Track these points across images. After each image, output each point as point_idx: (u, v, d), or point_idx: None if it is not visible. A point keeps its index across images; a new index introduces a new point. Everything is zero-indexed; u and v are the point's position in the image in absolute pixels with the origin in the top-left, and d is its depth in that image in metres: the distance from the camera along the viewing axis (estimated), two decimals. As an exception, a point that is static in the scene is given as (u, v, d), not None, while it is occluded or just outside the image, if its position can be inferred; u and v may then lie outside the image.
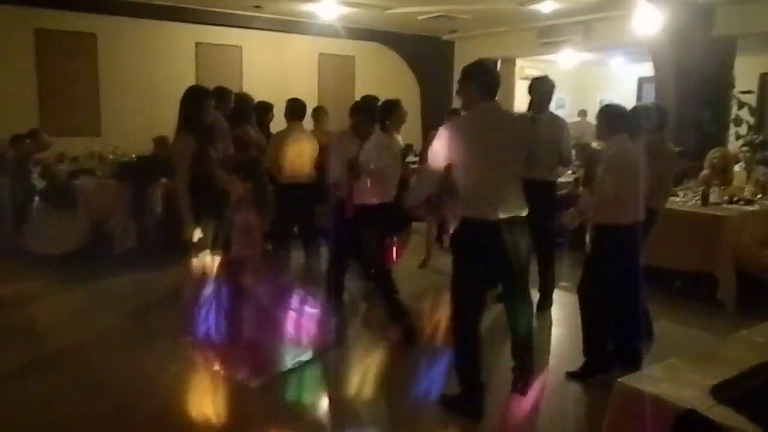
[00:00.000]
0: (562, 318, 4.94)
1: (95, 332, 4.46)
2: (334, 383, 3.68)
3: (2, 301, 5.12)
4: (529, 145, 3.26)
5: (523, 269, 3.28)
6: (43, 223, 6.32)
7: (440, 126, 3.32)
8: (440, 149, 3.16)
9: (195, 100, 3.82)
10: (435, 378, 3.63)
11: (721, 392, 1.81)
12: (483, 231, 3.13)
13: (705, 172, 6.24)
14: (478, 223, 3.13)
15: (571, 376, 3.76)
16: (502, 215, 3.10)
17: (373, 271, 4.43)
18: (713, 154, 6.36)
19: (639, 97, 12.07)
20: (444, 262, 6.24)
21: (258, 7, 9.04)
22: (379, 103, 4.65)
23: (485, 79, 3.17)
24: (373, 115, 4.29)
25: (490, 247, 3.14)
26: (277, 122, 6.12)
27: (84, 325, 4.58)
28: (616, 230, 3.60)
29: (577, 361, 3.85)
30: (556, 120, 4.85)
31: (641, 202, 3.68)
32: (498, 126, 3.16)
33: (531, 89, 4.87)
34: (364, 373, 3.79)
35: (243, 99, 5.40)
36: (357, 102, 4.49)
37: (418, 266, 6.16)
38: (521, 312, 3.35)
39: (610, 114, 3.70)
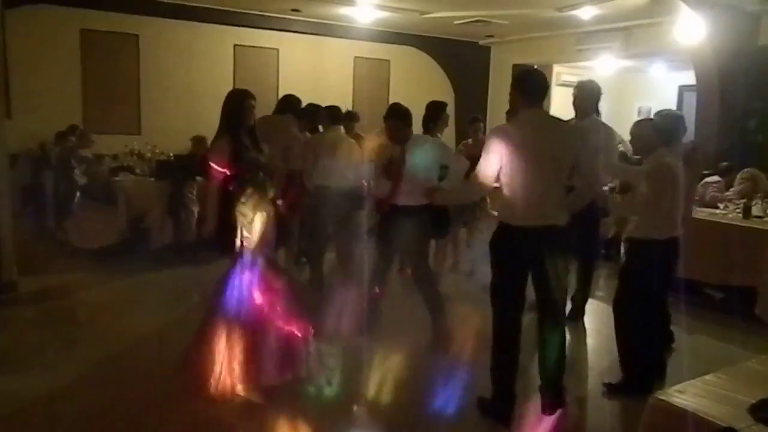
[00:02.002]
0: (596, 328, 4.86)
1: (132, 323, 4.57)
2: (368, 384, 3.69)
3: (46, 291, 5.31)
4: (576, 154, 3.20)
5: (556, 280, 3.22)
6: (83, 217, 6.52)
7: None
8: (490, 157, 3.14)
9: (237, 103, 3.85)
10: (472, 381, 3.59)
11: (759, 411, 1.77)
12: (515, 236, 3.13)
13: (736, 188, 6.13)
14: (511, 228, 3.13)
15: (609, 387, 3.65)
16: (537, 223, 3.08)
17: (416, 271, 4.41)
18: (742, 175, 6.23)
19: (679, 106, 11.80)
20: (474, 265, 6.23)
21: (296, 10, 9.15)
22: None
23: (528, 85, 3.17)
24: (408, 120, 4.33)
25: (521, 253, 3.13)
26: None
27: (121, 317, 4.71)
28: (652, 245, 3.52)
29: (611, 372, 3.78)
30: (601, 126, 4.70)
31: (679, 217, 3.60)
32: (541, 133, 3.13)
33: (574, 93, 4.76)
34: (399, 373, 3.79)
35: (289, 101, 5.47)
36: (392, 108, 4.48)
37: (448, 269, 6.15)
38: (550, 324, 3.28)
39: (649, 128, 3.63)
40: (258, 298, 3.49)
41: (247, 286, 3.49)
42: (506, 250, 3.18)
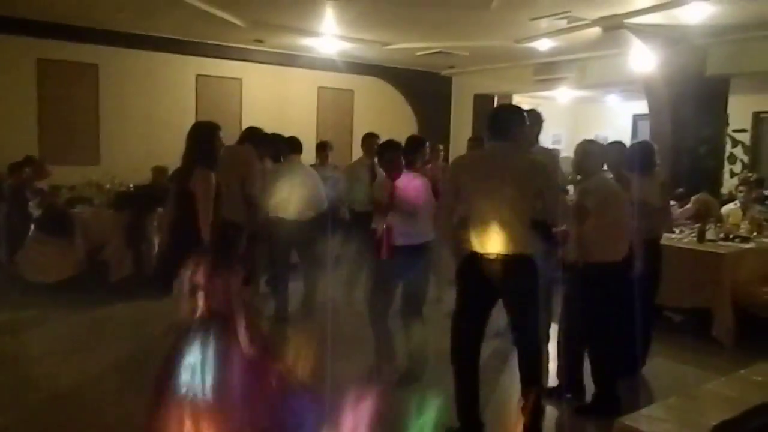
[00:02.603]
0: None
1: (88, 361, 4.39)
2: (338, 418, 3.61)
3: (-5, 329, 5.07)
4: (539, 187, 3.21)
5: (523, 306, 3.25)
6: (37, 251, 6.30)
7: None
8: (449, 186, 3.25)
9: (211, 134, 3.81)
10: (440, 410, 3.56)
11: (722, 433, 1.79)
12: (481, 264, 3.17)
13: (690, 208, 6.35)
14: (477, 256, 3.17)
15: (578, 409, 3.72)
16: (501, 251, 3.12)
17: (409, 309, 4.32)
18: (695, 199, 6.47)
19: (634, 134, 12.22)
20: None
21: (259, 40, 9.19)
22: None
23: (490, 122, 3.30)
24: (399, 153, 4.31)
25: (486, 281, 3.16)
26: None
27: (77, 354, 4.53)
28: (614, 266, 3.61)
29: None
30: (547, 153, 4.81)
31: (620, 242, 3.67)
32: (502, 164, 3.19)
33: None
34: (367, 404, 3.72)
35: (250, 132, 5.45)
36: (389, 140, 4.43)
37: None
38: (523, 350, 3.32)
39: (588, 151, 3.73)
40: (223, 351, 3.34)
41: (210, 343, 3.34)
42: (472, 277, 3.22)
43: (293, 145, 5.45)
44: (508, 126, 3.24)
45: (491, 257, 3.13)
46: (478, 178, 3.18)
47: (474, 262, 3.19)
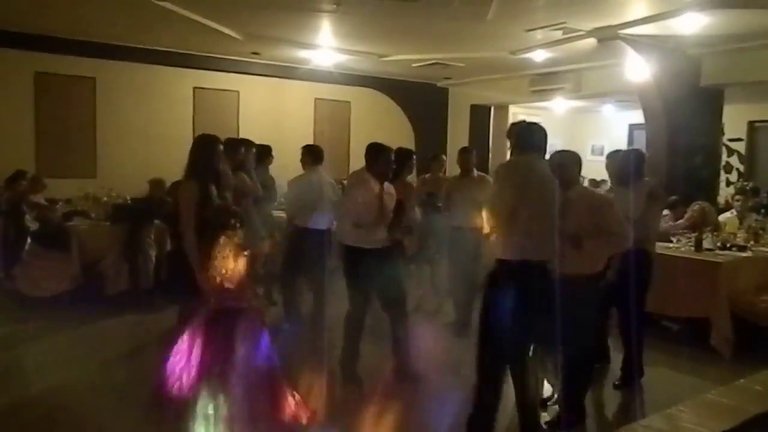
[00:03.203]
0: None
1: (85, 375, 4.37)
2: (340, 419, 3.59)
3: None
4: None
5: (558, 314, 3.27)
6: (34, 265, 6.28)
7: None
8: (505, 191, 3.31)
9: (206, 148, 3.82)
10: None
11: (721, 443, 1.78)
12: (532, 272, 3.21)
13: (687, 217, 6.36)
14: (531, 263, 3.22)
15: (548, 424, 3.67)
16: (544, 257, 3.23)
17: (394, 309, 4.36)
18: (693, 207, 6.48)
19: (630, 143, 12.27)
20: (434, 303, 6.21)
21: (256, 53, 9.22)
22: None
23: (526, 136, 3.42)
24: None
25: (531, 288, 3.20)
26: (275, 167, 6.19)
27: (73, 368, 4.49)
28: (597, 278, 3.66)
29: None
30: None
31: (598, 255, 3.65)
32: (540, 177, 3.33)
33: (508, 135, 4.90)
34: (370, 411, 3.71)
35: (236, 144, 5.44)
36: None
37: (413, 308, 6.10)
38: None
39: (562, 163, 3.75)
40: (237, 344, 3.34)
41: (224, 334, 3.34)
42: (523, 286, 3.20)
43: (315, 154, 5.48)
44: (542, 140, 3.40)
45: (539, 264, 3.20)
46: (529, 188, 3.26)
47: (530, 269, 3.22)
